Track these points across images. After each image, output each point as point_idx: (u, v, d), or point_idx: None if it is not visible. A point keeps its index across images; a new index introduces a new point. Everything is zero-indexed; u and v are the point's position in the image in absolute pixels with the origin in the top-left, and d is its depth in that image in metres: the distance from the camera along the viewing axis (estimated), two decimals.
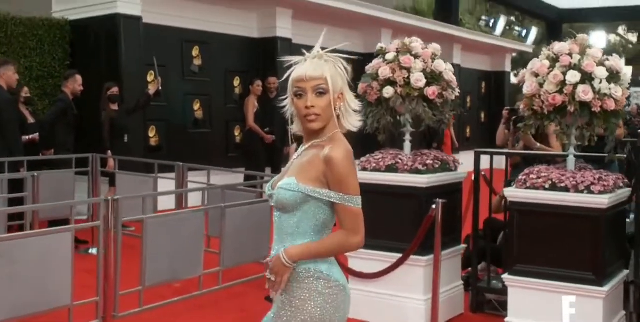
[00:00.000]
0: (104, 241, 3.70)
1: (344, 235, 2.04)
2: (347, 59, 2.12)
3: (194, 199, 6.05)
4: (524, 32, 21.76)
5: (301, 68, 2.07)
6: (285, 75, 2.12)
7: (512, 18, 26.03)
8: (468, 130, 15.65)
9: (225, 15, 9.53)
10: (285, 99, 2.17)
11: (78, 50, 8.17)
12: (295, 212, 2.07)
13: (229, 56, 9.59)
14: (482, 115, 16.41)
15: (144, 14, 8.06)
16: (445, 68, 4.34)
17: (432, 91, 4.25)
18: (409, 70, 4.26)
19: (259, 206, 4.81)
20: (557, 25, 20.61)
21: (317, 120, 2.06)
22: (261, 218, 4.75)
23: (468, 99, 15.32)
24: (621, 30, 25.01)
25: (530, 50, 17.67)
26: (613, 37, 23.98)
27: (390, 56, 4.34)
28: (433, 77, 4.29)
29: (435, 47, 4.42)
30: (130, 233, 5.99)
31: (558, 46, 3.80)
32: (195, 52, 9.19)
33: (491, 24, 20.23)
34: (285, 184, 2.07)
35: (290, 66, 2.11)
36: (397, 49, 4.39)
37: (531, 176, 3.84)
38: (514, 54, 18.33)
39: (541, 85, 3.76)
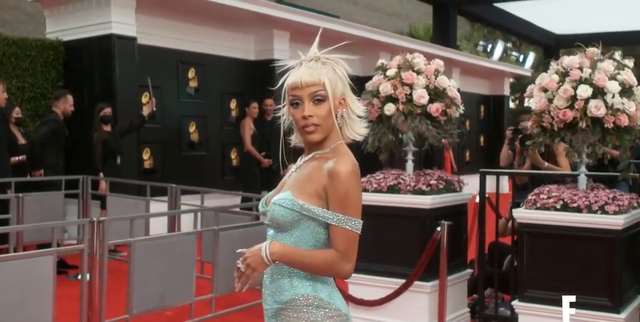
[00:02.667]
0: (89, 265, 3.47)
1: (337, 257, 1.79)
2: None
3: (188, 224, 5.83)
4: (522, 57, 21.76)
5: (296, 73, 1.86)
6: (280, 82, 1.92)
7: (509, 44, 26.10)
8: (467, 154, 15.51)
9: (221, 37, 9.43)
10: (281, 108, 1.96)
11: (71, 71, 8.02)
12: (292, 231, 1.86)
13: (226, 78, 9.46)
14: (482, 139, 16.30)
15: (138, 35, 7.94)
16: (448, 84, 4.19)
17: (435, 108, 4.09)
18: (411, 86, 4.10)
19: (254, 229, 4.58)
20: (554, 51, 20.58)
21: (317, 131, 1.84)
22: (257, 242, 4.47)
23: (467, 123, 15.20)
24: (617, 55, 25.01)
25: (529, 74, 17.62)
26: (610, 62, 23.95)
27: (391, 72, 4.19)
28: (436, 94, 4.14)
29: (438, 63, 4.27)
30: (120, 258, 5.76)
31: (567, 60, 3.64)
32: (191, 73, 9.06)
33: (489, 49, 20.23)
34: (281, 199, 1.86)
35: (286, 71, 1.91)
36: (398, 65, 4.23)
37: (541, 196, 3.66)
38: (512, 80, 18.28)
39: (550, 100, 3.60)
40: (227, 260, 4.34)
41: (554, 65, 3.72)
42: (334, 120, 1.86)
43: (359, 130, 1.91)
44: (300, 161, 1.96)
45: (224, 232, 4.38)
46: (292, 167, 1.98)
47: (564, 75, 3.61)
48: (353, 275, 1.96)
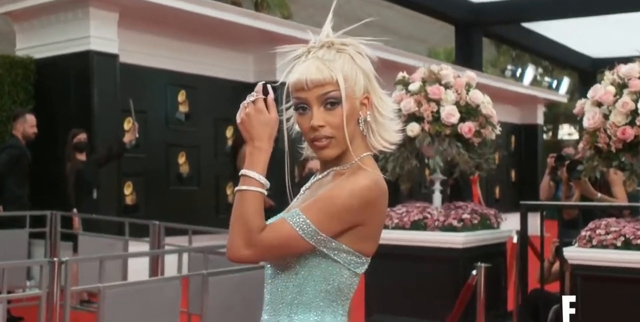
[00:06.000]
0: (46, 316, 3.21)
1: (257, 231, 1.56)
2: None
3: (174, 269, 5.57)
4: (555, 83, 21.78)
5: (300, 68, 1.61)
6: (283, 77, 1.68)
7: (540, 69, 26.20)
8: (497, 191, 15.28)
9: (216, 56, 9.35)
10: (284, 109, 1.72)
11: (43, 92, 7.92)
12: (296, 268, 1.61)
13: (221, 103, 9.31)
14: (513, 174, 16.08)
15: (121, 53, 7.84)
16: (482, 100, 4.00)
17: (467, 128, 3.89)
18: (438, 103, 3.92)
19: (251, 274, 4.32)
20: (591, 76, 20.60)
21: (330, 144, 1.60)
22: (255, 289, 4.24)
23: (496, 155, 15.04)
24: None
25: (564, 100, 17.50)
26: None
27: (414, 86, 4.00)
28: (468, 111, 3.96)
29: (469, 75, 4.09)
30: (93, 309, 5.48)
31: (625, 69, 3.49)
32: (181, 97, 8.94)
33: (518, 75, 20.24)
34: None
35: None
36: (422, 78, 4.04)
37: (597, 232, 3.45)
38: (544, 109, 18.19)
39: (606, 116, 3.40)
40: (218, 311, 4.08)
41: (608, 75, 3.55)
42: (354, 127, 1.61)
43: (389, 137, 1.66)
44: (313, 179, 1.71)
45: (214, 277, 4.11)
46: (303, 188, 1.75)
47: (621, 86, 3.43)
48: None
